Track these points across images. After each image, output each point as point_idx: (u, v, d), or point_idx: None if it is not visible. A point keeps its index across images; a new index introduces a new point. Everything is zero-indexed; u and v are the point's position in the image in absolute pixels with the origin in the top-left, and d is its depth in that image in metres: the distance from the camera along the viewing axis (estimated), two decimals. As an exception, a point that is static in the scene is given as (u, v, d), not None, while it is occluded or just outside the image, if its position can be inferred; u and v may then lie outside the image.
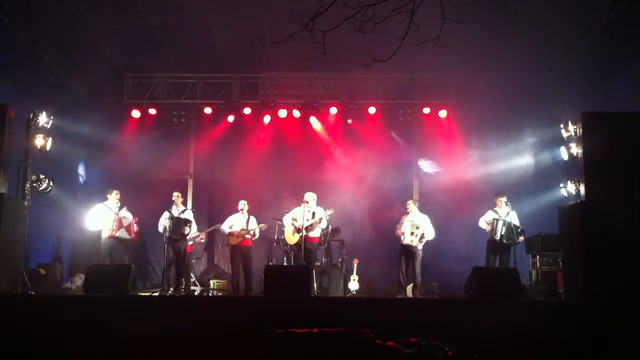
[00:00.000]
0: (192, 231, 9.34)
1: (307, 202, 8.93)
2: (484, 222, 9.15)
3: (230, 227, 9.35)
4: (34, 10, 9.38)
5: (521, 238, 8.80)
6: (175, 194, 9.34)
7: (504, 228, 8.82)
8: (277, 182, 11.83)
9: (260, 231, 9.48)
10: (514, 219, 8.94)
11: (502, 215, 8.99)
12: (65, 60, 10.95)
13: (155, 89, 12.09)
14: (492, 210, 9.18)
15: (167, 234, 8.83)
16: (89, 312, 6.04)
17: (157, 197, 10.47)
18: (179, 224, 8.94)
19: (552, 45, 10.31)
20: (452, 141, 12.03)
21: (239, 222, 9.34)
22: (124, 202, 9.17)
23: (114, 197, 9.03)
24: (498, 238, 8.82)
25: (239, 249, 9.26)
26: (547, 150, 10.94)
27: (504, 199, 9.10)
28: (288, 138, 12.26)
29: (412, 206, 9.20)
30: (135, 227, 9.09)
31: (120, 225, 8.87)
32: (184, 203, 9.92)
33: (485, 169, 11.70)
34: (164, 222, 9.01)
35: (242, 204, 9.43)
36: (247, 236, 9.23)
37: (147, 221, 9.88)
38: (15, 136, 7.57)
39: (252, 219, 9.40)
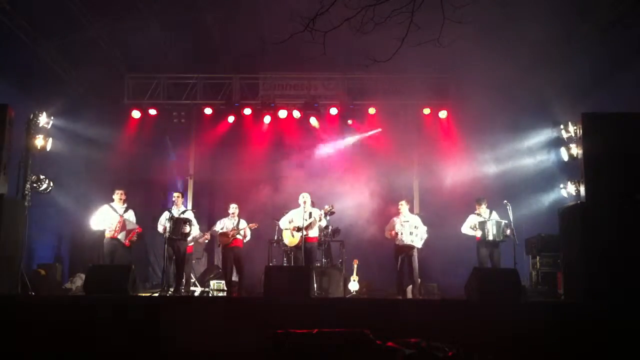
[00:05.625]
0: (193, 231, 9.31)
1: (305, 203, 8.96)
2: (468, 229, 9.20)
3: (221, 229, 9.45)
4: (34, 10, 9.37)
5: (509, 231, 8.81)
6: (176, 194, 9.36)
7: (494, 227, 8.93)
8: (277, 182, 11.80)
9: (252, 230, 9.54)
10: (497, 217, 9.10)
11: (487, 217, 9.04)
12: (65, 60, 10.94)
13: (155, 89, 12.07)
14: (474, 214, 9.21)
15: (167, 234, 8.81)
16: (89, 312, 6.04)
17: (156, 197, 10.44)
18: (178, 223, 8.92)
19: (552, 45, 10.30)
20: (452, 142, 12.02)
21: (229, 224, 9.45)
22: (130, 205, 9.10)
23: (117, 198, 8.93)
24: (491, 239, 8.90)
25: (230, 250, 9.34)
26: (547, 151, 10.94)
27: (485, 204, 9.24)
28: (288, 138, 12.25)
29: (404, 207, 9.18)
30: (134, 237, 8.88)
31: (122, 227, 8.74)
32: (184, 204, 9.90)
33: (486, 169, 11.69)
34: (163, 222, 9.00)
35: (233, 208, 9.52)
36: (238, 236, 9.31)
37: (147, 221, 9.86)
38: (15, 136, 7.56)
39: (242, 222, 9.48)
